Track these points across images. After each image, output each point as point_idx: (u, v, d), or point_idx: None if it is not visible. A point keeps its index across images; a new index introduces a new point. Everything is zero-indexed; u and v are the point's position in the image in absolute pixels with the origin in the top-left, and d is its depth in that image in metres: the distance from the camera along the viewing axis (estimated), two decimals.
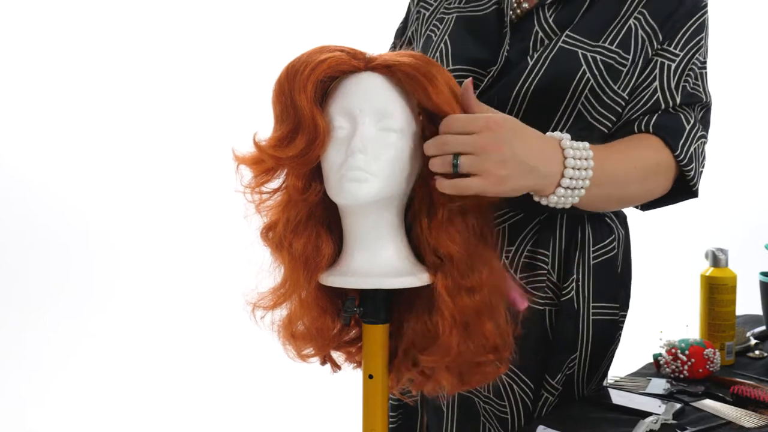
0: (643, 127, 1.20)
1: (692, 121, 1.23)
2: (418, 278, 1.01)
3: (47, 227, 5.43)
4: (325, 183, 1.01)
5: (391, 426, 1.41)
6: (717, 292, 1.50)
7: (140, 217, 5.41)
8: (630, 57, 1.22)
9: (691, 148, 1.21)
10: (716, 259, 1.52)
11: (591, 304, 1.29)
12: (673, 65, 1.23)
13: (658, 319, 2.92)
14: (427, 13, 1.39)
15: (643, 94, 1.22)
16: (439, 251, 1.01)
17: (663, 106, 1.22)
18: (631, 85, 1.22)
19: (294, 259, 1.04)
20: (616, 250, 1.32)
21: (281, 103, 0.98)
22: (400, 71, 0.98)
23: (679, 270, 4.06)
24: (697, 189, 1.24)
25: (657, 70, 1.22)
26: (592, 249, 1.29)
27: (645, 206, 1.30)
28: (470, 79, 1.01)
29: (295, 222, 1.03)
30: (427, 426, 1.38)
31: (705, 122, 1.27)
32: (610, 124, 1.23)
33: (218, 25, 5.45)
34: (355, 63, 0.99)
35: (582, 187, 1.04)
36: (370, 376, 1.04)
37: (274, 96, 0.99)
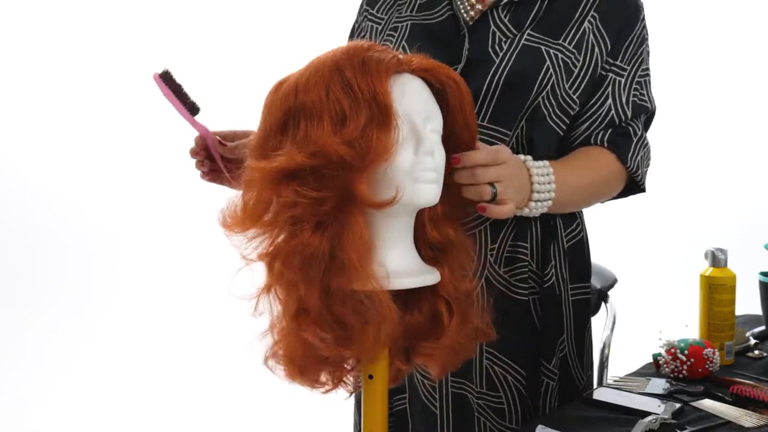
0: (598, 142, 1.33)
1: (639, 133, 1.36)
2: (436, 275, 1.03)
3: (47, 227, 5.43)
4: (382, 185, 0.96)
5: None
6: (716, 292, 1.51)
7: (140, 218, 5.40)
8: (581, 59, 1.30)
9: (638, 156, 1.36)
10: (716, 259, 1.52)
11: (569, 286, 1.37)
12: (623, 80, 1.33)
13: (658, 318, 2.92)
14: (379, 27, 1.42)
15: (600, 111, 1.33)
16: (439, 243, 1.06)
17: (617, 122, 1.34)
18: (580, 90, 1.30)
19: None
20: (582, 233, 1.41)
21: (352, 98, 0.93)
22: (443, 75, 1.01)
23: (679, 270, 4.05)
24: (644, 186, 1.40)
25: (609, 88, 1.33)
26: (564, 234, 1.36)
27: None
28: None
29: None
30: None
31: (647, 126, 1.40)
32: (563, 126, 1.32)
33: (218, 26, 5.45)
34: (403, 65, 1.00)
35: (548, 199, 1.20)
36: (370, 376, 1.05)
37: (340, 89, 0.93)
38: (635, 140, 1.35)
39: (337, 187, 0.93)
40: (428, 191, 0.98)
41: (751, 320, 1.77)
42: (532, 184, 1.18)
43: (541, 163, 1.20)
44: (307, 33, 4.99)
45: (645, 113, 1.37)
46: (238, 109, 4.37)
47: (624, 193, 1.41)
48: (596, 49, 1.31)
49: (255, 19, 5.41)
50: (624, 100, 1.34)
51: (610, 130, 1.33)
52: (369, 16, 1.45)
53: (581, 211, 1.43)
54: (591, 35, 1.30)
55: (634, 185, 1.39)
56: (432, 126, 0.99)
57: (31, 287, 5.08)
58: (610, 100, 1.33)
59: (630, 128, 1.35)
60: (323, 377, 1.06)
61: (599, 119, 1.33)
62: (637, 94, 1.35)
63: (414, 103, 0.98)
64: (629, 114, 1.34)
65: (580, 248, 1.40)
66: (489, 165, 1.08)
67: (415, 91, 0.99)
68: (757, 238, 2.56)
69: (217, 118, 5.36)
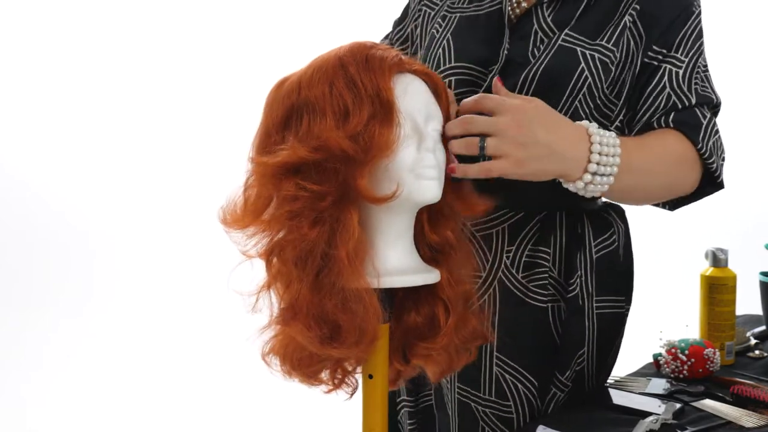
0: (662, 124, 1.22)
1: (708, 116, 1.24)
2: (436, 274, 1.03)
3: (47, 227, 5.44)
4: (384, 181, 0.96)
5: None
6: (717, 292, 1.50)
7: (140, 218, 5.41)
8: (618, 55, 1.24)
9: (710, 141, 1.23)
10: (716, 258, 1.52)
11: (595, 299, 1.30)
12: (680, 71, 1.25)
13: (658, 319, 2.92)
14: (432, 12, 1.40)
15: (659, 99, 1.23)
16: (437, 244, 1.05)
17: (679, 106, 1.23)
18: (617, 87, 1.24)
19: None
20: (616, 243, 1.33)
21: (356, 94, 0.93)
22: (438, 79, 1.02)
23: (679, 270, 4.06)
24: (721, 180, 1.26)
25: (665, 77, 1.24)
26: (593, 244, 1.30)
27: (673, 205, 1.31)
28: (498, 77, 1.07)
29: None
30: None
31: (715, 119, 1.30)
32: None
33: (218, 26, 5.45)
34: (405, 65, 1.00)
35: (610, 174, 1.07)
36: (370, 376, 1.04)
37: (344, 85, 0.94)
38: (705, 123, 1.23)
39: (339, 182, 0.93)
40: (430, 188, 0.98)
41: (751, 320, 1.77)
42: (591, 154, 1.05)
43: (607, 132, 1.08)
44: (307, 33, 4.99)
45: (710, 104, 1.26)
46: (238, 109, 4.38)
47: (699, 194, 1.27)
48: (632, 43, 1.24)
49: (255, 19, 5.41)
50: (685, 88, 1.24)
51: (673, 113, 1.23)
52: (426, 1, 1.42)
53: (620, 221, 1.35)
54: (627, 30, 1.24)
55: (708, 180, 1.25)
56: (433, 125, 1.00)
57: (31, 287, 5.08)
58: (668, 89, 1.23)
59: (696, 111, 1.24)
60: (324, 376, 1.06)
61: (660, 105, 1.23)
62: (698, 84, 1.26)
63: (416, 102, 0.98)
64: (693, 100, 1.23)
65: (614, 259, 1.32)
66: (482, 113, 1.02)
67: (417, 91, 1.00)
68: (758, 238, 2.56)
69: (217, 118, 5.35)
